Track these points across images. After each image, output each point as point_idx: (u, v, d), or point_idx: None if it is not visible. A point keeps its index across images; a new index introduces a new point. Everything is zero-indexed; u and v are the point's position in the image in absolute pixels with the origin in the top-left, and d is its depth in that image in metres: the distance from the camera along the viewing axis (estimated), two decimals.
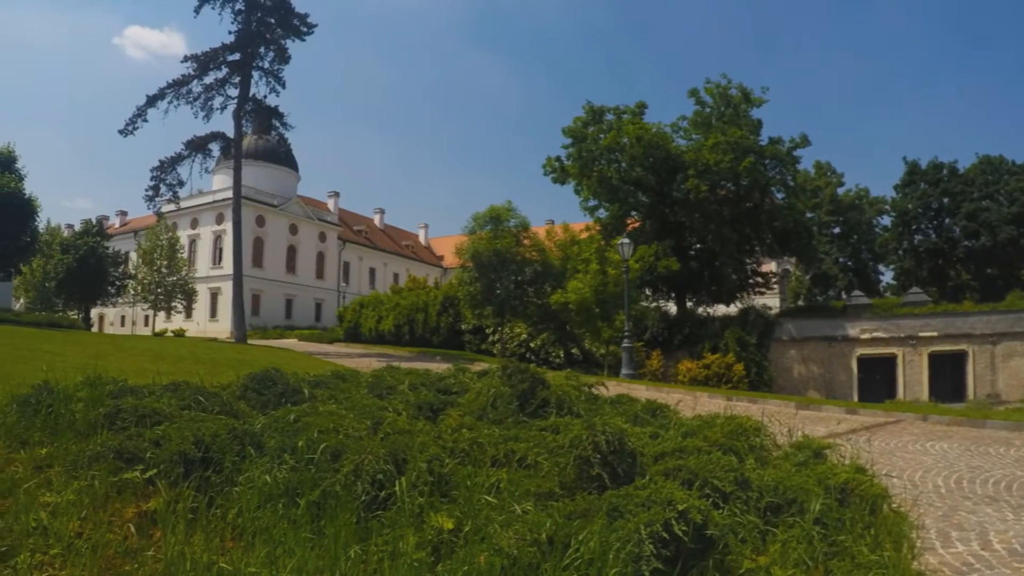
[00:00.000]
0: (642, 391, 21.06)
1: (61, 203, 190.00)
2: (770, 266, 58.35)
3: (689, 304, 47.91)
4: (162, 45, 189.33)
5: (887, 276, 73.84)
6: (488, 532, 4.84)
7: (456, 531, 4.96)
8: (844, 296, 62.20)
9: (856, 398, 39.27)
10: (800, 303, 64.33)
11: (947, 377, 40.26)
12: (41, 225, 47.60)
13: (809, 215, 54.80)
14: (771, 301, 57.67)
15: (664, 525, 4.81)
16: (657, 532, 4.76)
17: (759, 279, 49.90)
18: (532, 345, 43.19)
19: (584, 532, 4.74)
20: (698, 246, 46.17)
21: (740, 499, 5.92)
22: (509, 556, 4.48)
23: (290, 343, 50.09)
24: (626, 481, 6.01)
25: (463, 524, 5.04)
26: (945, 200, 66.85)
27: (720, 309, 47.55)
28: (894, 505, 6.88)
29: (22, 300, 68.40)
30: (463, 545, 4.77)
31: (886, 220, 71.95)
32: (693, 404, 17.12)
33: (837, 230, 69.13)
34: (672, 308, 48.38)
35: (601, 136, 45.32)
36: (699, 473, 6.06)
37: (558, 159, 47.67)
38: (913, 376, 40.74)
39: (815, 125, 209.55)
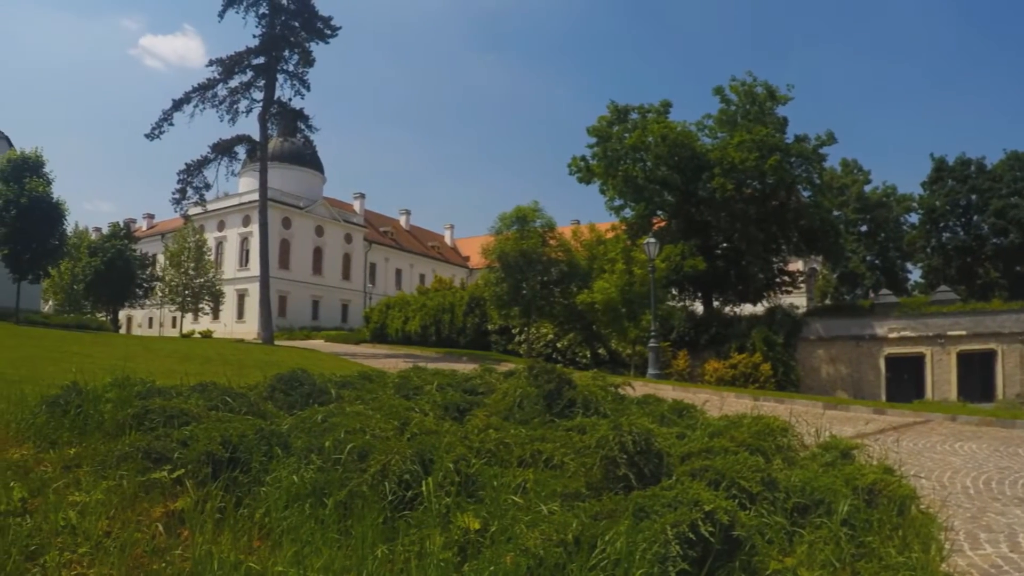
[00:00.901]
0: (669, 391, 20.98)
1: (82, 206, 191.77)
2: (797, 265, 57.99)
3: (716, 304, 47.71)
4: (181, 50, 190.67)
5: (915, 274, 73.36)
6: (514, 532, 4.83)
7: (482, 531, 4.95)
8: (872, 295, 61.77)
9: (884, 398, 38.89)
10: (827, 302, 63.95)
11: (976, 376, 39.84)
12: (69, 228, 47.89)
13: (836, 213, 54.43)
14: (798, 300, 57.36)
15: (691, 526, 4.78)
16: (683, 533, 4.73)
17: (786, 278, 49.60)
18: (559, 345, 43.15)
19: (610, 533, 4.72)
20: (724, 245, 45.92)
21: (767, 500, 5.89)
22: (535, 556, 4.47)
23: (317, 344, 50.21)
24: (653, 481, 5.99)
25: (489, 524, 5.02)
26: (973, 197, 66.07)
27: (747, 309, 47.30)
28: (922, 506, 6.84)
29: (51, 302, 68.99)
30: (489, 545, 4.76)
31: (913, 218, 71.40)
32: (720, 404, 17.04)
33: (864, 228, 68.70)
34: (699, 308, 48.19)
35: (626, 135, 45.23)
36: (726, 473, 6.03)
37: (583, 159, 47.62)
38: (941, 375, 40.38)
39: (840, 122, 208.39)
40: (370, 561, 4.40)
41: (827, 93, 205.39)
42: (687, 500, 5.11)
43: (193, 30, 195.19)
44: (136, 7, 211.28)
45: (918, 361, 41.30)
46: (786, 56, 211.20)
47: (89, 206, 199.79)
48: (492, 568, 4.36)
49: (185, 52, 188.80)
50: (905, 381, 41.05)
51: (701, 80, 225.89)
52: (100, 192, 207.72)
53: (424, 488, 5.48)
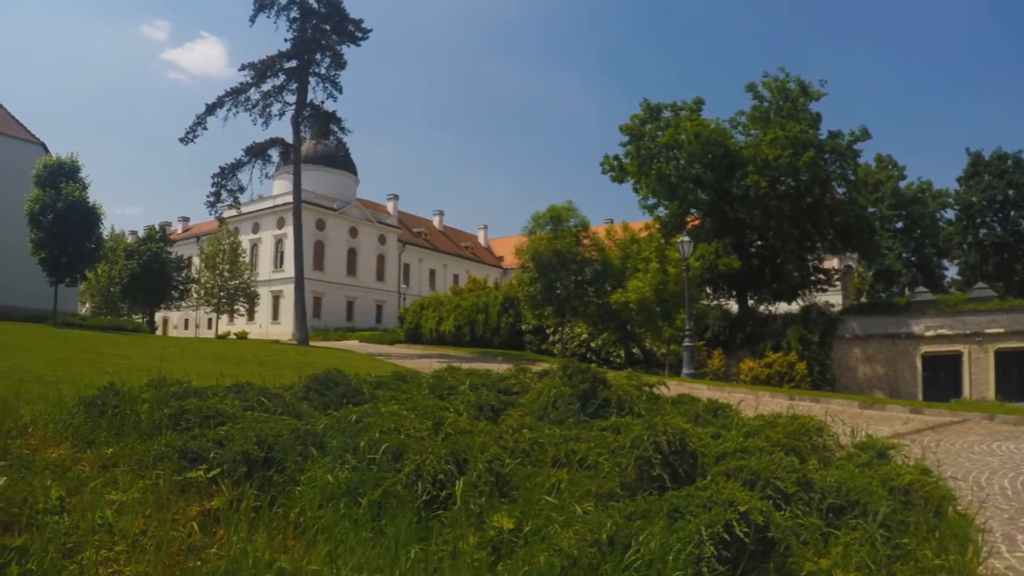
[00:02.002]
0: (703, 391, 20.94)
1: (110, 210, 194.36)
2: (832, 263, 57.59)
3: (750, 302, 47.38)
4: (204, 57, 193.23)
5: (952, 271, 72.60)
6: (548, 532, 4.84)
7: (516, 531, 4.96)
8: (908, 292, 61.23)
9: (920, 397, 38.43)
10: (863, 300, 63.40)
11: (1014, 375, 39.23)
12: (105, 232, 48.39)
13: (871, 210, 53.84)
14: (834, 298, 56.91)
15: (725, 526, 4.77)
16: (718, 533, 4.73)
17: (821, 276, 49.11)
18: (592, 345, 43.03)
19: (644, 533, 4.72)
20: (759, 243, 45.63)
21: (802, 500, 5.86)
22: (569, 556, 4.47)
23: (351, 344, 50.39)
24: (687, 482, 5.98)
25: (523, 524, 5.03)
26: (1010, 192, 65.30)
27: (782, 307, 46.93)
28: (959, 508, 6.76)
29: (88, 305, 69.71)
30: (523, 545, 4.77)
31: (950, 214, 70.68)
32: (755, 404, 16.91)
33: (900, 225, 68.13)
34: (733, 307, 47.89)
35: (659, 133, 45.01)
36: (761, 474, 6.00)
37: (616, 157, 47.47)
38: (979, 374, 39.85)
39: (874, 117, 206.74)
40: (403, 560, 4.41)
41: (860, 88, 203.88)
42: (722, 500, 5.10)
43: (216, 38, 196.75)
44: (160, 15, 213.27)
45: (955, 359, 40.80)
46: (817, 52, 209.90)
47: (117, 210, 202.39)
48: (525, 568, 4.36)
49: (208, 58, 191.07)
50: (942, 380, 40.53)
51: (733, 77, 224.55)
52: (127, 196, 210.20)
53: (458, 488, 5.50)
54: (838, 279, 55.52)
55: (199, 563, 4.28)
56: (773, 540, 4.96)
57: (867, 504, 5.92)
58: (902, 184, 68.93)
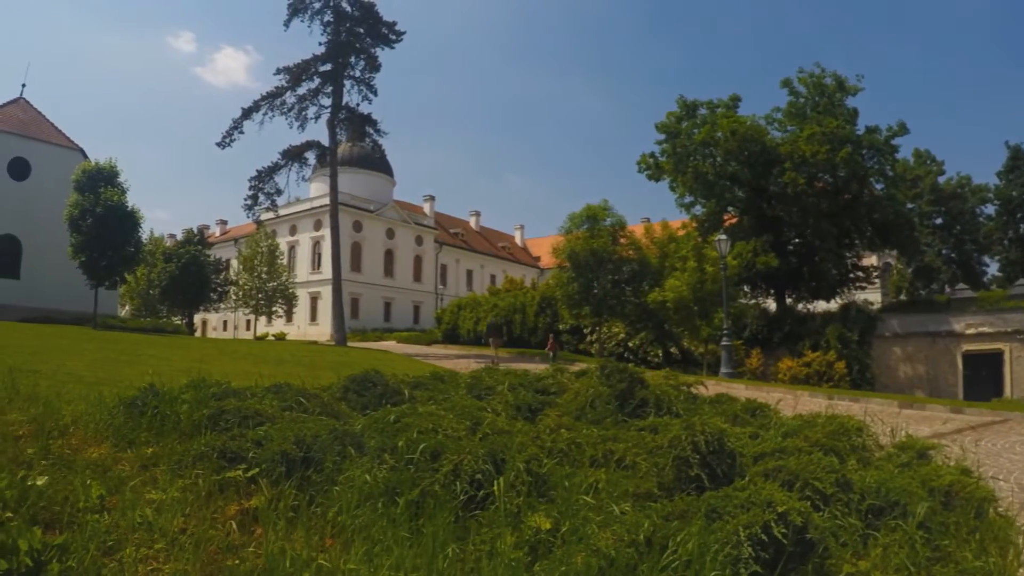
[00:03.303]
0: (741, 390, 20.84)
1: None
2: (871, 260, 56.86)
3: (789, 301, 46.99)
4: (232, 64, 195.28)
5: (992, 268, 71.51)
6: (586, 532, 4.85)
7: (554, 531, 4.97)
8: (948, 290, 60.47)
9: (961, 396, 37.84)
10: (902, 298, 62.69)
11: None
12: (144, 235, 48.87)
13: (909, 206, 53.30)
14: (872, 296, 56.36)
15: (763, 527, 4.76)
16: (756, 534, 4.72)
17: (860, 273, 48.55)
18: (630, 344, 42.94)
19: (682, 533, 4.71)
20: (797, 241, 45.26)
21: (841, 501, 5.84)
22: (606, 557, 4.47)
23: (389, 345, 50.51)
24: (725, 482, 5.97)
25: (561, 524, 5.04)
26: None
27: (820, 305, 46.56)
28: (1000, 509, 6.68)
29: (127, 307, 70.34)
30: (560, 545, 4.78)
31: (990, 209, 69.41)
32: (794, 403, 16.81)
33: (939, 221, 67.17)
34: (771, 305, 47.55)
35: (695, 131, 44.71)
36: (799, 474, 5.98)
37: (652, 155, 47.28)
38: (1021, 373, 39.20)
39: (911, 112, 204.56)
40: (440, 560, 4.43)
41: (896, 82, 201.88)
42: (760, 501, 5.09)
43: (240, 48, 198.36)
44: (185, 27, 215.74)
45: (996, 358, 40.20)
46: (851, 46, 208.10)
47: (147, 214, 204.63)
48: (563, 568, 4.37)
49: (234, 66, 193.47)
50: (983, 379, 39.92)
51: (768, 74, 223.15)
52: (157, 201, 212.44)
53: (496, 488, 5.52)
54: (877, 277, 54.92)
55: (237, 561, 4.32)
56: (811, 541, 4.94)
57: (907, 505, 5.89)
58: (941, 179, 67.89)
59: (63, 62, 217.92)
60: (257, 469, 5.75)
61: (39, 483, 5.02)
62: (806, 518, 5.00)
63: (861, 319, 42.26)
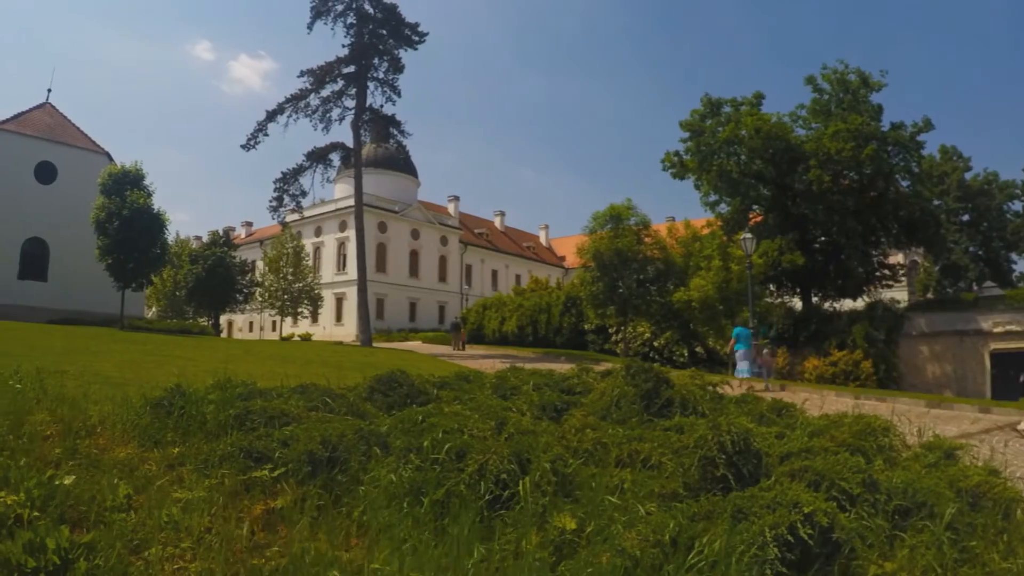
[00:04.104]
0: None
1: None
2: (897, 258, 56.61)
3: (815, 299, 46.72)
4: (252, 70, 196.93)
5: (1021, 265, 71.06)
6: (611, 533, 4.84)
7: (579, 531, 4.97)
8: (975, 287, 59.98)
9: (989, 395, 37.47)
10: (929, 296, 62.23)
11: None
12: (170, 238, 49.22)
13: (936, 203, 52.92)
14: (899, 294, 56.03)
15: (789, 528, 4.75)
16: (782, 535, 4.71)
17: (886, 272, 48.20)
18: (655, 344, 42.91)
19: (708, 534, 4.72)
20: (822, 239, 45.02)
21: (868, 502, 5.80)
22: (632, 557, 4.46)
23: (414, 345, 50.56)
24: (751, 482, 5.95)
25: (586, 524, 5.05)
26: None
27: (847, 304, 46.31)
28: None
29: (154, 309, 70.84)
30: (585, 545, 4.78)
31: (1017, 205, 68.83)
32: (820, 403, 16.69)
33: (966, 218, 66.57)
34: (797, 304, 47.32)
35: (719, 129, 44.57)
36: (826, 474, 5.95)
37: (676, 153, 47.16)
38: None
39: (937, 107, 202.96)
40: (466, 560, 4.42)
41: (920, 78, 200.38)
42: (786, 501, 5.08)
43: (256, 54, 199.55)
44: (204, 36, 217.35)
45: None
46: (873, 42, 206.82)
47: (169, 216, 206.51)
48: (588, 568, 4.37)
49: (253, 73, 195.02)
50: (1012, 378, 39.50)
51: (791, 71, 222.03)
52: (177, 203, 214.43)
53: (521, 488, 5.53)
54: (903, 275, 54.53)
55: (263, 561, 4.34)
56: (838, 542, 4.92)
57: (934, 506, 5.84)
58: (968, 176, 67.29)
59: (77, 68, 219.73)
60: (283, 469, 5.79)
61: (66, 482, 5.08)
62: (832, 519, 4.98)
63: (888, 318, 41.99)
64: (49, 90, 75.36)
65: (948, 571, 4.97)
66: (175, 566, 4.24)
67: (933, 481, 6.39)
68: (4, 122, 47.14)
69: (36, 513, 4.49)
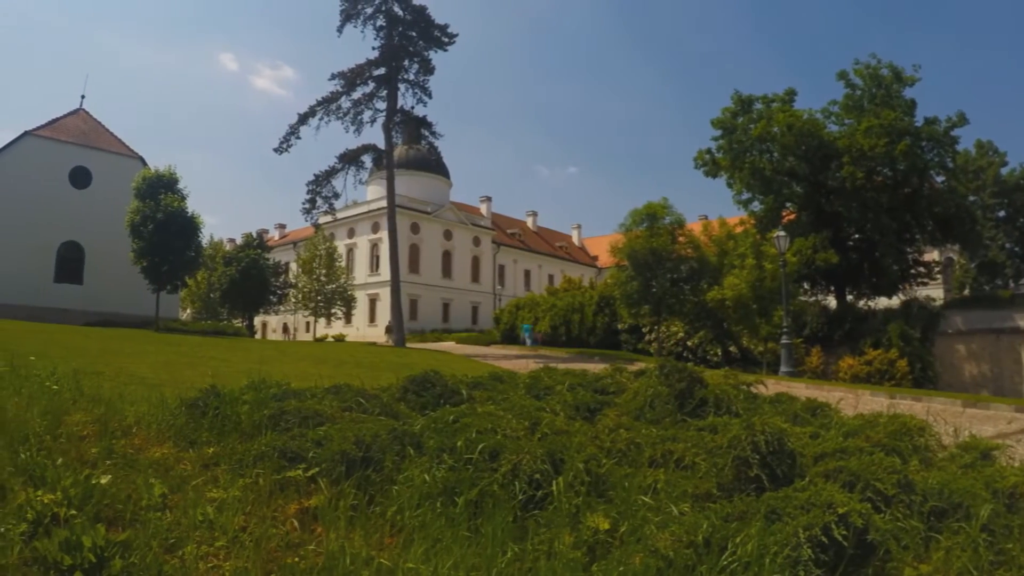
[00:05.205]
0: (802, 389, 20.62)
1: None
2: (932, 255, 56.02)
3: (849, 298, 46.37)
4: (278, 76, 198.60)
5: None
6: (644, 533, 4.84)
7: (612, 531, 4.96)
8: (1012, 285, 59.34)
9: None
10: (965, 293, 61.59)
11: None
12: (204, 240, 49.67)
13: (971, 198, 52.35)
14: (935, 292, 55.52)
15: (823, 529, 4.74)
16: (816, 536, 4.70)
17: (921, 269, 47.75)
18: (689, 343, 42.73)
19: (741, 535, 4.70)
20: (856, 236, 44.75)
21: (903, 503, 5.76)
22: (664, 558, 4.47)
23: (447, 346, 50.63)
24: (785, 483, 5.93)
25: (619, 524, 5.04)
26: None
27: (881, 302, 45.95)
28: None
29: (188, 310, 71.50)
30: (619, 546, 4.77)
31: None
32: (855, 402, 16.61)
33: (1002, 213, 65.59)
34: (832, 302, 47.02)
35: (751, 126, 44.45)
36: (860, 475, 5.92)
37: (708, 152, 47.10)
38: None
39: (971, 102, 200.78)
40: (499, 559, 4.43)
41: (953, 71, 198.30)
42: (820, 502, 5.06)
43: (279, 64, 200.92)
44: (227, 48, 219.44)
45: None
46: (904, 36, 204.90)
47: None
48: (621, 569, 4.37)
49: (276, 79, 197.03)
50: None
51: (822, 67, 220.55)
52: (207, 206, 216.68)
53: (554, 488, 5.54)
54: (939, 272, 54.02)
55: (297, 560, 4.37)
56: (872, 544, 4.90)
57: (970, 507, 5.78)
58: (1004, 171, 66.29)
59: (110, 74, 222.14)
60: (317, 468, 5.82)
61: (103, 482, 5.13)
62: (867, 520, 4.95)
63: (923, 316, 41.66)
64: (83, 96, 76.06)
65: (984, 574, 4.92)
66: (209, 564, 4.28)
67: (969, 482, 6.33)
68: (38, 128, 47.73)
69: (73, 512, 4.54)
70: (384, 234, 62.78)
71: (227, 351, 23.92)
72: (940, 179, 44.55)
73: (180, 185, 40.21)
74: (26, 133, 46.97)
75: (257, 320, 75.67)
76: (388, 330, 53.76)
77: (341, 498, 5.29)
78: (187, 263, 40.14)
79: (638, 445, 7.12)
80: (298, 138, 44.70)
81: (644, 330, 45.92)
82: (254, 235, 70.20)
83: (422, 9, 45.38)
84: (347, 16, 44.77)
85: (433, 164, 75.45)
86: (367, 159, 46.36)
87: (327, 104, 44.66)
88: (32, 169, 45.50)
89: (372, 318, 76.69)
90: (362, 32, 46.36)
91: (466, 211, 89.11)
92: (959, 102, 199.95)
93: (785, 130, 42.53)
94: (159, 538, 4.44)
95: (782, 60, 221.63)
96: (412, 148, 60.36)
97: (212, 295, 65.39)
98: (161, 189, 38.75)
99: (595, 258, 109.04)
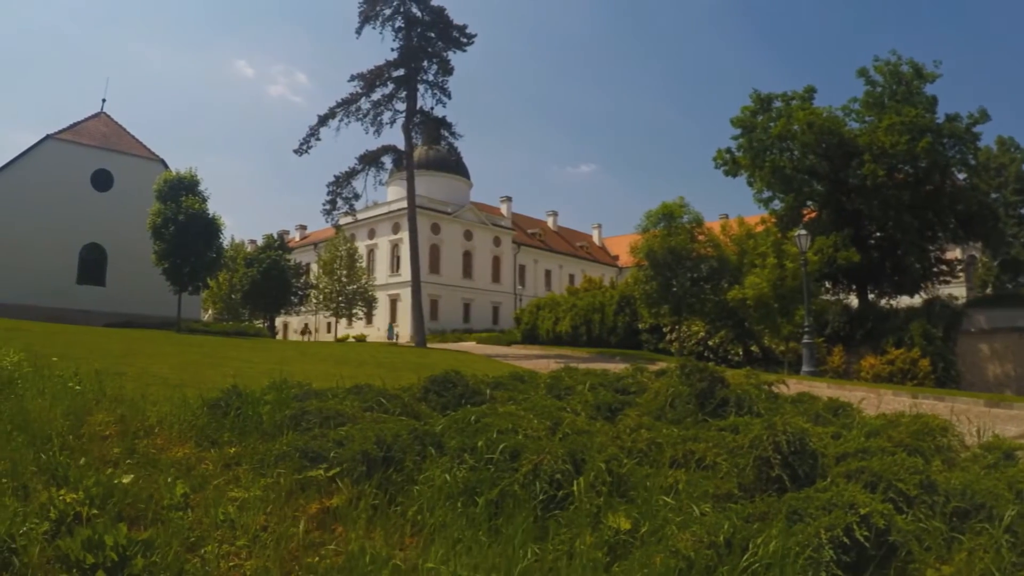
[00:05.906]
0: (823, 389, 20.57)
1: None
2: (955, 253, 55.62)
3: (871, 296, 46.05)
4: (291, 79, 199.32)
5: None
6: (665, 533, 4.85)
7: (633, 531, 4.97)
8: None
9: None
10: (988, 292, 61.14)
11: None
12: (225, 242, 49.92)
13: (994, 196, 51.89)
14: (957, 291, 55.12)
15: (845, 530, 4.74)
16: (838, 537, 4.69)
17: (943, 267, 47.40)
18: (710, 343, 42.54)
19: (763, 535, 4.69)
20: (878, 234, 44.35)
21: (925, 503, 5.74)
22: (686, 558, 4.46)
23: (468, 346, 50.68)
24: (807, 483, 5.92)
25: (640, 525, 5.05)
26: None
27: (904, 301, 45.60)
28: None
29: (210, 311, 71.81)
30: (640, 546, 4.78)
31: None
32: (877, 402, 16.50)
33: None
34: (853, 301, 46.70)
35: (771, 124, 44.11)
36: (882, 475, 5.90)
37: (728, 150, 46.80)
38: None
39: (992, 97, 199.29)
40: (520, 560, 4.42)
41: (975, 66, 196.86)
42: (842, 503, 5.06)
43: (293, 68, 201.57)
44: (241, 56, 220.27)
45: None
46: (925, 32, 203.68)
47: None
48: (642, 569, 4.36)
49: (291, 84, 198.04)
50: None
51: (841, 63, 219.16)
52: (221, 208, 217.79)
53: (575, 488, 5.55)
54: (961, 270, 53.75)
55: (317, 559, 4.39)
56: (894, 545, 4.88)
57: (993, 508, 5.74)
58: None
59: (127, 77, 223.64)
60: (338, 468, 5.85)
61: (125, 481, 5.18)
62: (889, 521, 4.94)
63: (946, 315, 41.28)
64: (104, 100, 76.47)
65: (1006, 575, 4.88)
66: (231, 563, 4.31)
67: (992, 482, 6.28)
68: (60, 132, 48.09)
69: (95, 511, 4.59)
70: (404, 235, 62.79)
71: (248, 352, 24.01)
72: (962, 176, 44.17)
73: (201, 187, 40.45)
74: (48, 137, 47.41)
75: (278, 321, 76.02)
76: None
77: (362, 498, 5.32)
78: (208, 264, 40.35)
79: (659, 445, 7.11)
80: (318, 139, 44.94)
81: (665, 330, 45.76)
82: (275, 236, 70.46)
83: (440, 10, 45.49)
84: (366, 18, 44.93)
85: (453, 164, 75.43)
86: (387, 160, 46.51)
87: (347, 105, 44.82)
88: (55, 172, 45.95)
89: (393, 318, 76.69)
90: (381, 33, 46.53)
91: (486, 211, 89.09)
92: (981, 98, 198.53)
93: (805, 128, 42.22)
94: (180, 537, 4.49)
95: (799, 59, 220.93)
96: (432, 149, 60.59)
97: (233, 296, 65.69)
98: (182, 191, 39.01)
99: (616, 258, 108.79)
